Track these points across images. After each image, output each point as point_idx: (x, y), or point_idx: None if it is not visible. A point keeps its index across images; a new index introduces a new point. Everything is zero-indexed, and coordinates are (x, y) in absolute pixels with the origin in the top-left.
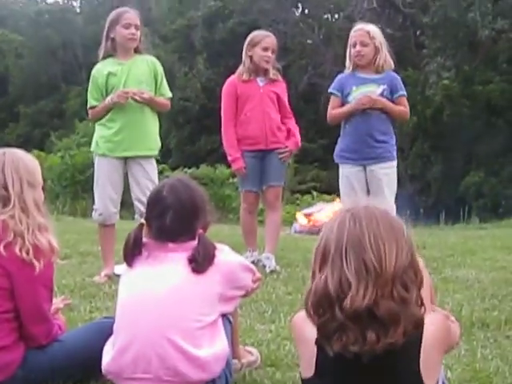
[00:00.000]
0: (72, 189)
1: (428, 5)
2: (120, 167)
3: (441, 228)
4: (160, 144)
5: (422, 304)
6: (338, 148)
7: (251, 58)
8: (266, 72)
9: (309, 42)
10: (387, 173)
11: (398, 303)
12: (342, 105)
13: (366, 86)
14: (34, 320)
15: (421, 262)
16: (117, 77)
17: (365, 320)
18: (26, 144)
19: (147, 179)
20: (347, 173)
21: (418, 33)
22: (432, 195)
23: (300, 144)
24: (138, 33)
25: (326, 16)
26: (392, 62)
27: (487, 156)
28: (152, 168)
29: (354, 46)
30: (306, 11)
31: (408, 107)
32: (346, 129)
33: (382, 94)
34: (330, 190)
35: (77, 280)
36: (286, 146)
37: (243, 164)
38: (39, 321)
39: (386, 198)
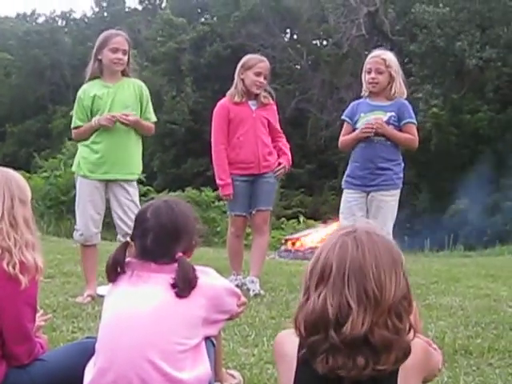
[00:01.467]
0: (57, 209)
1: (416, 33)
2: (101, 188)
3: (425, 255)
4: (141, 167)
5: (411, 328)
6: (345, 173)
7: (243, 80)
8: (256, 96)
9: (297, 67)
10: (387, 200)
11: (391, 332)
12: (353, 131)
13: (373, 113)
14: (16, 339)
15: None
16: (102, 100)
17: (357, 346)
18: (12, 163)
19: (128, 200)
20: (350, 198)
21: (405, 60)
22: (417, 222)
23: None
24: (125, 57)
25: (314, 42)
26: (405, 90)
27: (473, 184)
28: (133, 190)
29: (369, 72)
30: (295, 36)
31: (416, 135)
32: (353, 155)
33: (388, 122)
34: (316, 215)
35: (60, 300)
36: (280, 163)
37: (232, 191)
38: (21, 340)
39: (385, 226)
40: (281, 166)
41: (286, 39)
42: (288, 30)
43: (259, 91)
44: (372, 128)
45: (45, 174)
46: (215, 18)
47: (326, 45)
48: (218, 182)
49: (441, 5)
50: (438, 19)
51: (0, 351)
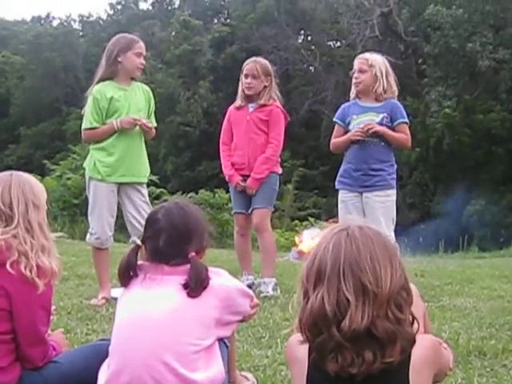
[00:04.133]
0: (70, 211)
1: (430, 34)
2: (114, 191)
3: (440, 256)
4: (149, 170)
5: (414, 320)
6: (338, 174)
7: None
8: (258, 98)
9: (310, 68)
10: (382, 201)
11: (393, 323)
12: (345, 133)
13: (366, 114)
14: (30, 342)
15: (414, 289)
16: (120, 102)
17: (362, 340)
18: (26, 166)
19: (142, 201)
20: (344, 198)
21: (419, 61)
22: (431, 223)
23: (261, 176)
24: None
25: (328, 43)
26: (396, 91)
27: (487, 185)
28: (145, 191)
29: (354, 73)
30: (309, 38)
31: (409, 134)
32: (346, 156)
33: (381, 123)
34: (330, 217)
35: (74, 302)
36: (246, 186)
37: (238, 179)
38: (36, 343)
39: (382, 227)
40: (244, 184)
41: (299, 41)
42: (302, 32)
43: (250, 92)
44: (362, 133)
45: (57, 174)
46: (232, 20)
47: (340, 46)
48: (226, 177)
49: (454, 6)
50: (451, 20)
51: (14, 354)
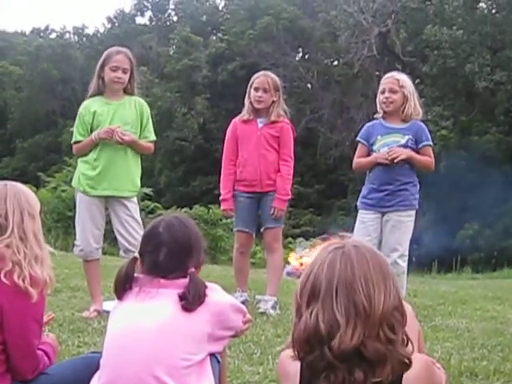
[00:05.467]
0: (64, 223)
1: (427, 54)
2: (101, 205)
3: (433, 277)
4: (139, 184)
5: (409, 341)
6: (361, 194)
7: (250, 99)
8: (267, 112)
9: (308, 86)
10: (403, 220)
11: (384, 344)
12: (369, 153)
13: (391, 135)
14: (21, 355)
15: (409, 309)
16: (103, 116)
17: (352, 360)
18: (21, 178)
19: (128, 216)
20: (365, 219)
21: (416, 82)
22: (425, 244)
23: (288, 197)
24: (125, 76)
25: (325, 61)
26: (421, 111)
27: (482, 207)
28: (133, 205)
29: (383, 92)
30: (306, 56)
31: (433, 157)
32: (370, 177)
33: (406, 145)
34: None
35: (66, 314)
36: (274, 208)
37: (231, 206)
38: (27, 356)
39: (400, 246)
40: (273, 211)
41: (297, 58)
42: (300, 49)
43: (260, 106)
44: (387, 160)
45: (52, 186)
46: (229, 36)
47: (337, 65)
48: (220, 196)
49: (454, 27)
50: (450, 40)
51: (5, 365)
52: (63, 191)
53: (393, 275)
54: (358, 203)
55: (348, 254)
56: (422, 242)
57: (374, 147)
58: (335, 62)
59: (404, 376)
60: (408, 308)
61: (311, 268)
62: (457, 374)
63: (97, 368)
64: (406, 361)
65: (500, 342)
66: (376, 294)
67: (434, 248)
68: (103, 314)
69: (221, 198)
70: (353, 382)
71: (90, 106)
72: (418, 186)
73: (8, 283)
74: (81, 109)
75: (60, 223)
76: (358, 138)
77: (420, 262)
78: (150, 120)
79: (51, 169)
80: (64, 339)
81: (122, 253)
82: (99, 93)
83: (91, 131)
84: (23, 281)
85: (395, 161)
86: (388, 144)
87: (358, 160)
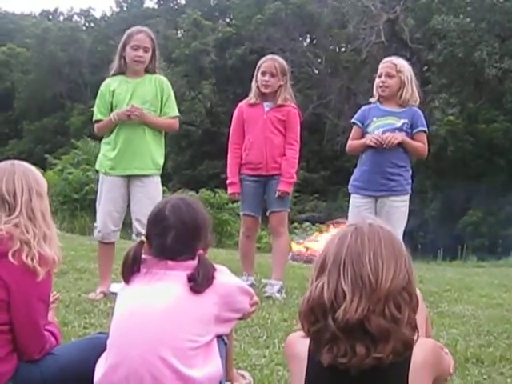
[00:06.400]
0: (70, 206)
1: (435, 42)
2: (122, 186)
3: (438, 264)
4: (162, 163)
5: (415, 327)
6: (352, 177)
7: (257, 83)
8: (273, 96)
9: (315, 72)
10: (397, 206)
11: (388, 321)
12: (363, 136)
13: (386, 118)
14: (27, 334)
15: (418, 294)
16: (121, 95)
17: (355, 333)
18: (27, 160)
19: (147, 198)
20: (358, 203)
21: (424, 69)
22: (430, 231)
23: (293, 180)
24: (147, 55)
25: (333, 47)
26: (418, 98)
27: (487, 195)
28: (154, 186)
29: (380, 76)
30: (314, 41)
31: (426, 144)
32: (362, 159)
33: (401, 128)
34: (329, 221)
35: (72, 296)
36: (279, 190)
37: (238, 190)
38: (33, 336)
39: (395, 231)
40: (278, 193)
41: (305, 44)
42: (308, 35)
43: (266, 90)
44: (380, 143)
45: (58, 168)
46: (236, 21)
47: (345, 51)
48: (227, 181)
49: (461, 16)
50: (458, 29)
51: (11, 345)
52: (70, 173)
53: (407, 257)
54: (350, 186)
55: (360, 230)
56: (428, 230)
57: (369, 129)
58: (343, 49)
59: (412, 359)
60: (417, 292)
61: (325, 244)
62: (463, 361)
63: (103, 349)
64: (409, 342)
65: (506, 329)
66: (384, 270)
67: (440, 236)
68: (109, 296)
69: (228, 181)
70: (353, 356)
71: (111, 84)
72: (411, 170)
73: (16, 263)
74: (102, 87)
75: (66, 205)
76: (353, 120)
77: (426, 250)
78: (172, 97)
79: (58, 151)
80: (70, 320)
81: (134, 236)
82: (121, 72)
83: (111, 110)
84: (32, 260)
85: (390, 144)
86: (382, 126)
87: (351, 142)
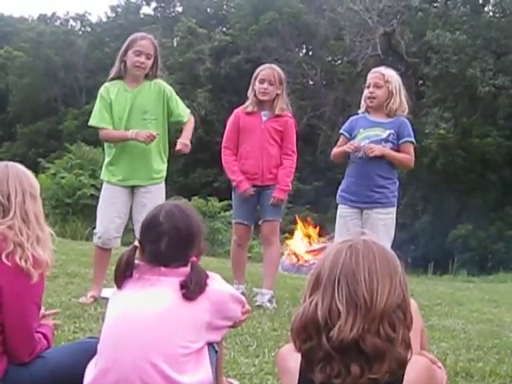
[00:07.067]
0: (62, 210)
1: (430, 57)
2: (125, 194)
3: (429, 277)
4: (164, 170)
5: (409, 346)
6: (340, 188)
7: (254, 91)
8: (271, 105)
9: (310, 83)
10: (382, 218)
11: (383, 341)
12: None
13: (373, 129)
14: (19, 337)
15: (414, 305)
16: (120, 106)
17: (350, 353)
18: (21, 163)
19: (152, 204)
20: (344, 213)
21: (419, 83)
22: (421, 245)
23: (289, 188)
24: (149, 62)
25: (329, 59)
26: (407, 108)
27: (478, 209)
28: (159, 192)
29: (368, 87)
30: (310, 52)
31: (413, 155)
32: (349, 170)
33: (387, 139)
34: (321, 232)
35: (62, 300)
36: (274, 197)
37: (248, 186)
38: (24, 338)
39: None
40: (273, 200)
41: (301, 54)
42: (304, 46)
43: (265, 98)
44: (356, 150)
45: (51, 172)
46: (233, 30)
47: (341, 63)
48: (233, 184)
49: (457, 32)
50: (453, 45)
51: (1, 347)
52: (62, 178)
53: (401, 273)
54: (337, 197)
55: (355, 247)
56: (419, 243)
57: (356, 139)
58: (339, 60)
59: (405, 378)
60: (413, 304)
61: (319, 260)
62: (452, 375)
63: (94, 353)
64: (404, 361)
65: (496, 344)
66: (379, 289)
67: (431, 249)
68: (100, 300)
69: (235, 182)
70: (348, 376)
71: (110, 90)
72: (398, 183)
73: (9, 264)
74: (102, 91)
75: (58, 210)
76: (341, 131)
77: (416, 263)
78: (176, 97)
79: (51, 155)
80: (60, 324)
81: (136, 242)
82: (120, 76)
83: (111, 118)
84: (25, 262)
85: (370, 155)
86: (369, 137)
87: (334, 149)
